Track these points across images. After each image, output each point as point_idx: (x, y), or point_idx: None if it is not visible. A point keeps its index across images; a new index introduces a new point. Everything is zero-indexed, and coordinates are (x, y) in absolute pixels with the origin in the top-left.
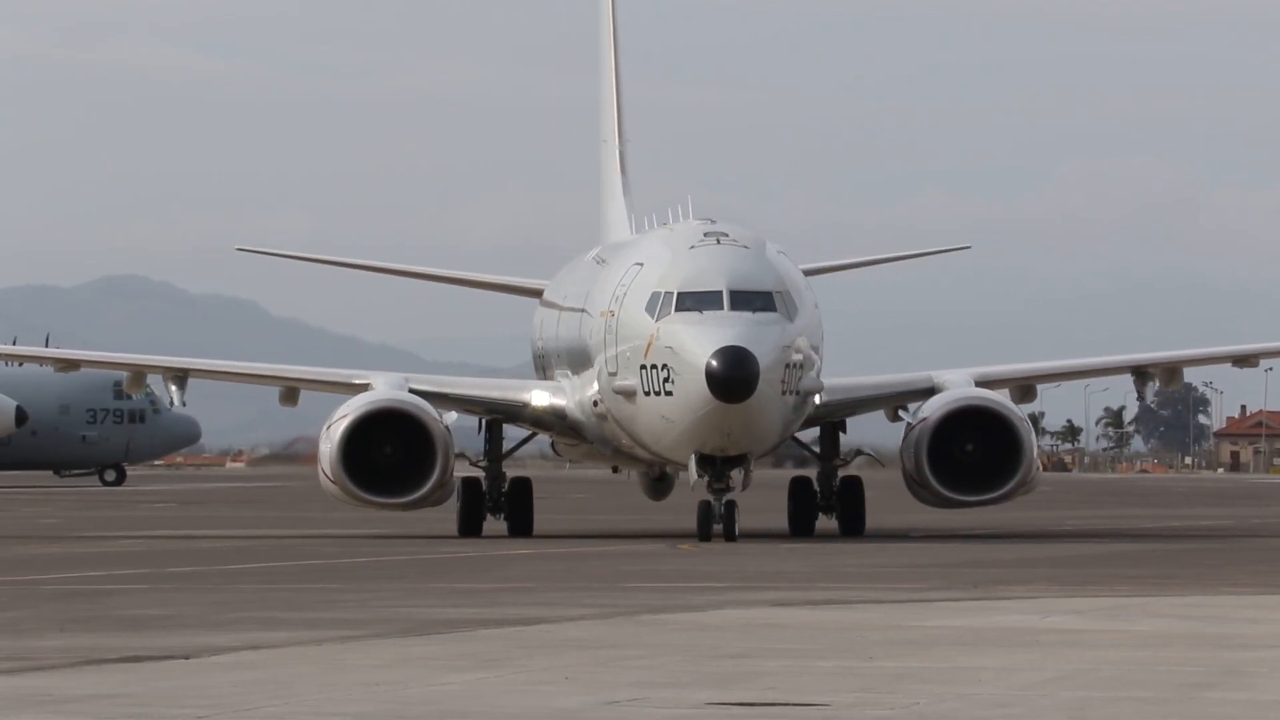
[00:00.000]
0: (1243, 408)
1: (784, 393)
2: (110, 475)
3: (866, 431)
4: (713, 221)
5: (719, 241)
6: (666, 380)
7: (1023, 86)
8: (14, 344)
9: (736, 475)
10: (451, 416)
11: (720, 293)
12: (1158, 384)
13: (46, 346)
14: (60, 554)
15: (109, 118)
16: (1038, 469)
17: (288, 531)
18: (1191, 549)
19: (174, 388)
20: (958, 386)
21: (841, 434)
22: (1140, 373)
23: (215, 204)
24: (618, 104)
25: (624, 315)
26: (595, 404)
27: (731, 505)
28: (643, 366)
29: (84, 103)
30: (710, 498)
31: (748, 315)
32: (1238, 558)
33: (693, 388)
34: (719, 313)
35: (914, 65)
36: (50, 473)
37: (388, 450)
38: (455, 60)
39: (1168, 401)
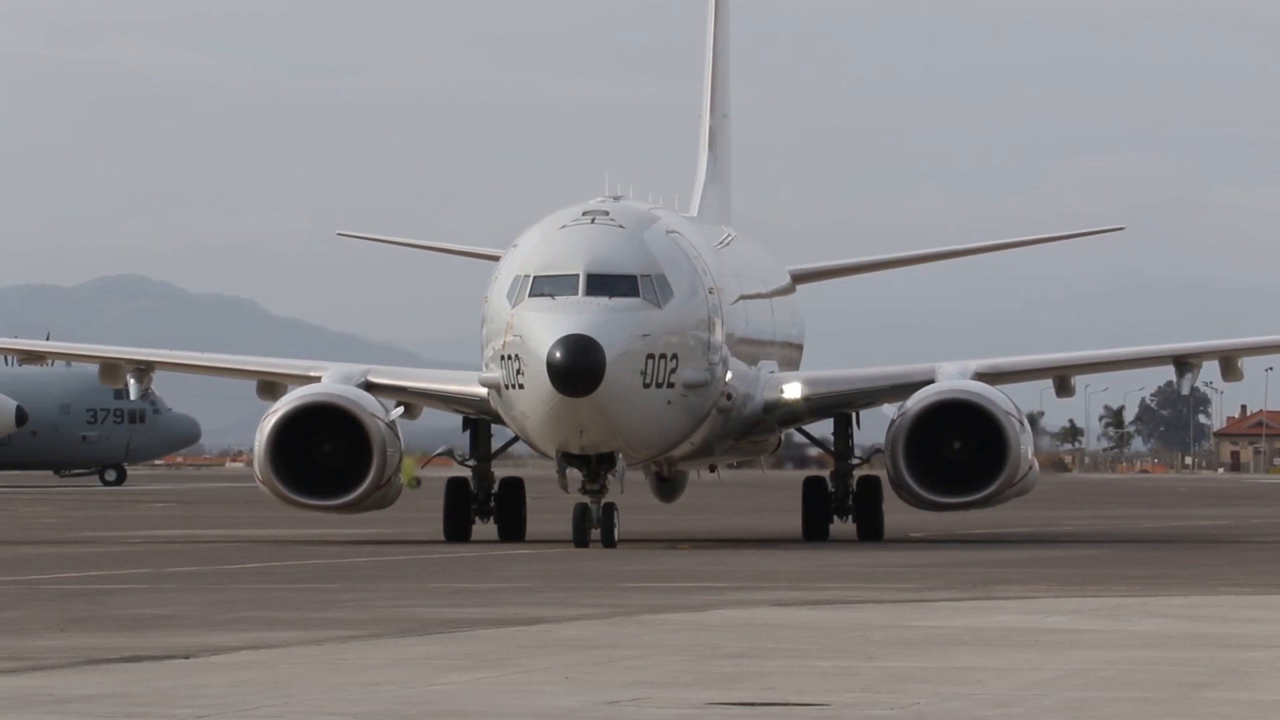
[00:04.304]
0: (1243, 407)
1: (648, 385)
2: (110, 475)
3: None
4: (615, 199)
5: (594, 221)
6: (519, 372)
7: (1020, 86)
8: None
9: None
10: (397, 411)
11: (576, 276)
12: (1197, 376)
13: None
14: (60, 554)
15: (107, 118)
16: (1029, 469)
17: (287, 531)
18: (1191, 549)
19: (132, 380)
20: (948, 378)
21: (856, 430)
22: (1182, 363)
23: (215, 204)
24: (712, 78)
25: (492, 301)
26: (492, 401)
27: (610, 509)
28: (502, 357)
29: (82, 103)
30: (586, 500)
31: (603, 301)
32: (1237, 558)
33: (538, 381)
34: (572, 298)
35: (913, 65)
36: (50, 472)
37: (327, 448)
38: (455, 59)
39: (1168, 401)
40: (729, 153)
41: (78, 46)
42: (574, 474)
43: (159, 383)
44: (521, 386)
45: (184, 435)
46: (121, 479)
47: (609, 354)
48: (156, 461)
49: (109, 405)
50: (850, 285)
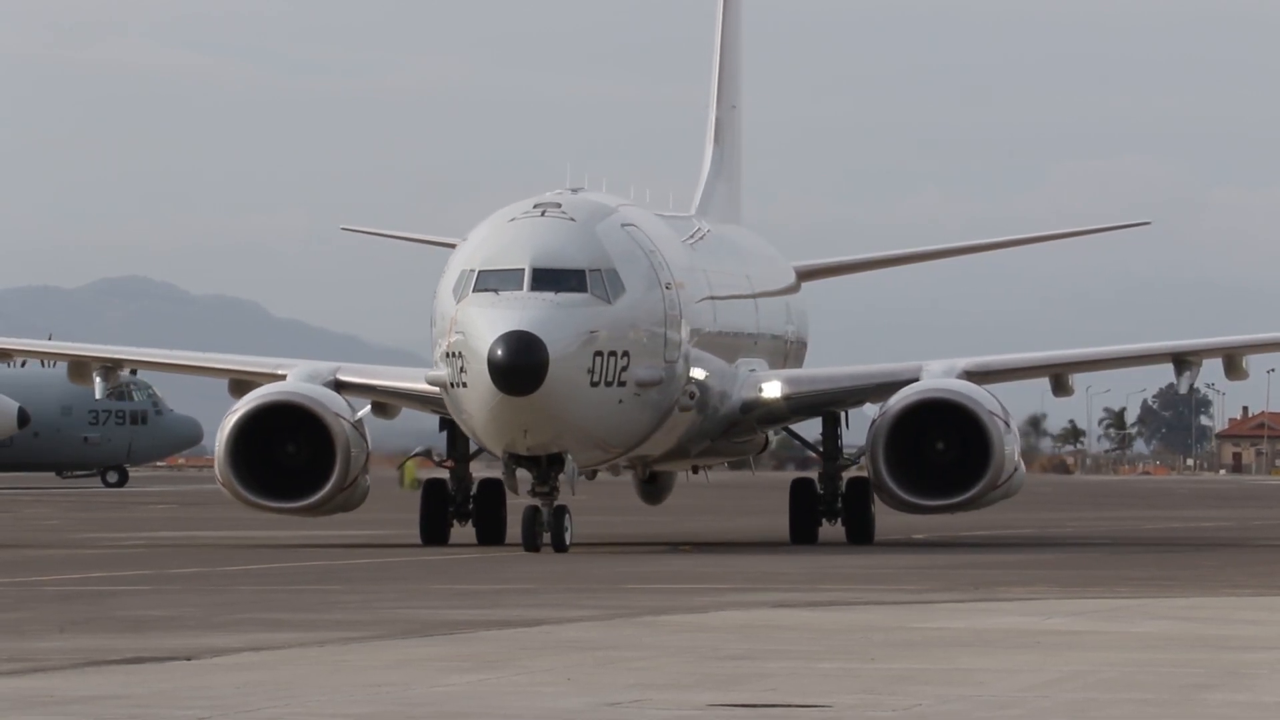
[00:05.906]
0: (1244, 409)
1: (596, 384)
2: (112, 476)
3: None
4: (574, 191)
5: (544, 214)
6: (462, 370)
7: (1020, 86)
8: None
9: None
10: (363, 411)
11: (522, 271)
12: (1196, 375)
13: None
14: (62, 555)
15: (107, 118)
16: (1015, 471)
17: (289, 532)
18: (1192, 551)
19: (99, 378)
20: (933, 377)
21: (846, 430)
22: (1180, 361)
23: (215, 204)
24: (720, 67)
25: (439, 297)
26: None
27: (561, 511)
28: (447, 355)
29: (82, 103)
30: (536, 503)
31: (549, 297)
32: (1238, 560)
33: (480, 379)
34: (516, 294)
35: (914, 65)
36: (52, 474)
37: (291, 449)
38: (455, 59)
39: (1169, 403)
40: (739, 146)
41: (78, 46)
42: (525, 475)
43: (162, 385)
44: (465, 385)
45: (186, 437)
46: (123, 480)
47: (552, 351)
48: (158, 463)
49: (111, 406)
50: (854, 285)
